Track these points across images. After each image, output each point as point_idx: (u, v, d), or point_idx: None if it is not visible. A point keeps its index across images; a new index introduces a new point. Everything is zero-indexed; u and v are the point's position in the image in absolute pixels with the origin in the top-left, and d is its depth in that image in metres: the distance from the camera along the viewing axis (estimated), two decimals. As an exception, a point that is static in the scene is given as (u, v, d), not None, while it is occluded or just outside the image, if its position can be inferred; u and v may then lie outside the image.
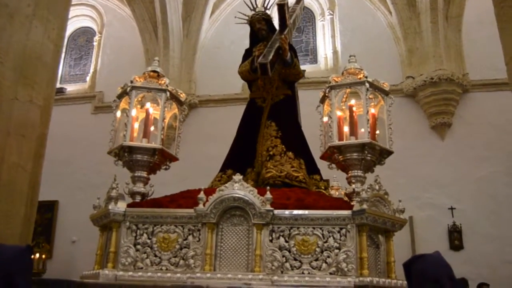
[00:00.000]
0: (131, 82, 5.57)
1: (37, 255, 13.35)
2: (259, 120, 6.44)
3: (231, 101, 13.93)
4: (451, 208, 12.48)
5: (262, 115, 6.46)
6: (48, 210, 14.08)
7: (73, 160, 14.37)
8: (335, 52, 14.55)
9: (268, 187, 4.67)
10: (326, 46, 14.82)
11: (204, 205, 4.56)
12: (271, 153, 6.03)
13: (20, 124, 6.31)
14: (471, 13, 13.48)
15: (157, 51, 14.70)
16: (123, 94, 5.64)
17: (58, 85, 13.53)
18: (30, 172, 6.39)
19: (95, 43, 16.45)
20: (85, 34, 16.93)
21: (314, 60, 14.91)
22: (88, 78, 16.08)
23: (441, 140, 13.15)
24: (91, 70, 16.15)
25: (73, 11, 13.31)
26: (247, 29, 7.11)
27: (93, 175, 13.92)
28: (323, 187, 6.05)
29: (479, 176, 12.56)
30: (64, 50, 14.52)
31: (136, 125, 5.58)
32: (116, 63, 15.62)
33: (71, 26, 16.23)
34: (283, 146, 6.03)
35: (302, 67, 13.30)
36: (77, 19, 16.73)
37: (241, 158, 6.32)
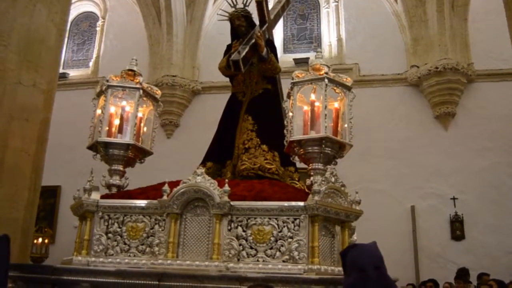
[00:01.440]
0: (107, 81, 6.05)
1: (40, 240, 13.72)
2: (238, 114, 6.96)
3: (234, 88, 14.26)
4: (453, 198, 12.75)
5: (241, 109, 6.97)
6: (51, 195, 14.45)
7: (76, 145, 14.29)
8: (339, 39, 14.76)
9: (227, 180, 5.20)
10: (330, 33, 15.02)
11: (168, 196, 5.10)
12: (246, 146, 6.54)
13: (23, 108, 6.71)
14: (478, 1, 13.65)
15: (160, 36, 15.04)
16: (101, 92, 6.14)
17: (61, 70, 13.94)
18: (33, 156, 6.83)
19: (98, 28, 16.70)
20: (88, 19, 17.17)
21: (318, 48, 14.87)
22: (91, 64, 16.36)
23: (444, 130, 13.39)
24: (94, 56, 16.40)
25: (76, -5, 13.65)
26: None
27: (96, 161, 14.33)
28: (296, 178, 6.56)
29: (482, 166, 12.82)
30: (67, 34, 14.93)
31: (117, 121, 6.11)
32: (119, 49, 15.88)
33: (74, 11, 16.40)
34: (258, 140, 6.53)
35: (306, 55, 13.79)
36: (80, 3, 17.00)
37: (221, 151, 6.87)
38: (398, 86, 13.90)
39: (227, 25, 15.09)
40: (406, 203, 12.90)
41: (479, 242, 12.35)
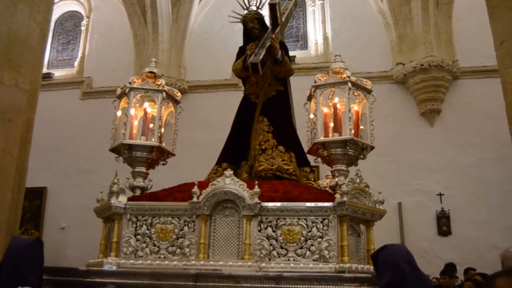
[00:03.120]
0: (129, 83, 6.12)
1: None
2: (252, 116, 7.11)
3: (221, 87, 14.34)
4: (440, 194, 12.98)
5: (255, 110, 7.12)
6: (36, 196, 14.37)
7: (61, 146, 14.69)
8: (325, 38, 14.93)
9: (257, 181, 5.36)
10: (316, 31, 15.19)
11: (198, 198, 5.24)
12: (263, 147, 6.71)
13: (6, 108, 6.50)
14: (462, -1, 13.90)
15: (146, 35, 15.06)
16: (122, 94, 6.23)
17: (45, 70, 13.86)
18: (16, 157, 6.64)
19: (83, 28, 16.65)
20: (72, 19, 17.12)
21: (305, 46, 15.29)
22: (76, 63, 16.30)
23: (430, 127, 13.62)
24: (79, 55, 16.36)
25: (60, -5, 13.57)
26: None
27: (82, 161, 14.39)
28: (312, 179, 6.72)
29: (467, 162, 13.05)
30: (51, 34, 14.77)
31: (136, 123, 6.22)
32: (105, 48, 15.97)
33: (58, 10, 16.45)
34: (275, 141, 6.70)
35: (293, 53, 13.96)
36: (64, 3, 16.96)
37: (235, 152, 7.01)
38: (384, 84, 14.00)
39: (213, 24, 15.23)
40: (393, 200, 12.97)
41: (465, 237, 12.55)
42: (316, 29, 15.27)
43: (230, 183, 5.28)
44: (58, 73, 16.29)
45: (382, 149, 13.04)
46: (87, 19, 16.73)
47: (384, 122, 13.40)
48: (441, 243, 12.77)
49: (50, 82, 15.29)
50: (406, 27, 14.17)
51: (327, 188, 5.84)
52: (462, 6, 13.98)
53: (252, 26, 7.33)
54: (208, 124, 13.59)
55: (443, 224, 12.92)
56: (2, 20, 6.74)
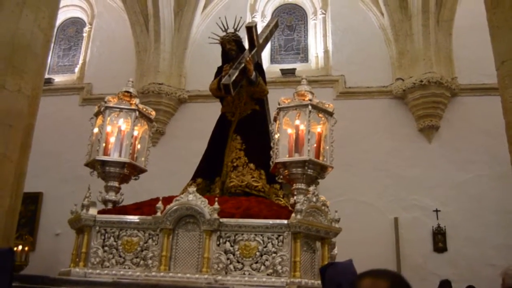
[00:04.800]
0: (105, 102, 6.62)
1: (20, 247, 13.84)
2: (227, 133, 7.67)
3: (220, 97, 14.71)
4: (436, 211, 13.23)
5: (230, 128, 7.67)
6: (32, 201, 14.62)
7: (59, 152, 14.99)
8: (326, 51, 15.29)
9: (217, 198, 5.84)
10: (317, 45, 15.56)
11: (161, 213, 5.70)
12: (235, 164, 7.21)
13: (7, 113, 6.81)
14: (463, 17, 14.25)
15: (148, 44, 15.44)
16: (99, 112, 6.72)
17: (46, 76, 14.26)
18: (16, 162, 6.93)
19: (84, 34, 17.03)
20: (74, 25, 17.49)
21: (305, 59, 15.64)
22: (77, 69, 16.64)
23: (428, 143, 13.90)
24: (80, 61, 16.69)
25: (63, 1, 13.59)
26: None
27: (79, 168, 14.38)
28: (281, 195, 7.17)
29: (464, 179, 13.34)
30: (53, 40, 15.27)
31: (113, 139, 6.70)
32: (106, 55, 16.34)
33: (61, 16, 16.58)
34: (246, 158, 7.21)
35: (293, 66, 14.34)
36: (67, 9, 17.26)
37: (210, 168, 7.54)
38: (383, 99, 14.45)
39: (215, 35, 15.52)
40: (390, 215, 13.37)
41: (461, 254, 12.79)
42: (317, 42, 15.62)
43: (193, 199, 5.74)
44: (59, 79, 16.63)
45: (379, 164, 13.54)
46: (89, 26, 17.10)
47: (382, 137, 13.78)
48: (437, 259, 13.00)
49: (50, 88, 15.53)
50: (406, 43, 14.50)
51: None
52: (462, 23, 14.30)
53: (230, 47, 7.83)
54: (207, 133, 13.84)
55: (439, 240, 13.15)
56: (7, 25, 7.04)
